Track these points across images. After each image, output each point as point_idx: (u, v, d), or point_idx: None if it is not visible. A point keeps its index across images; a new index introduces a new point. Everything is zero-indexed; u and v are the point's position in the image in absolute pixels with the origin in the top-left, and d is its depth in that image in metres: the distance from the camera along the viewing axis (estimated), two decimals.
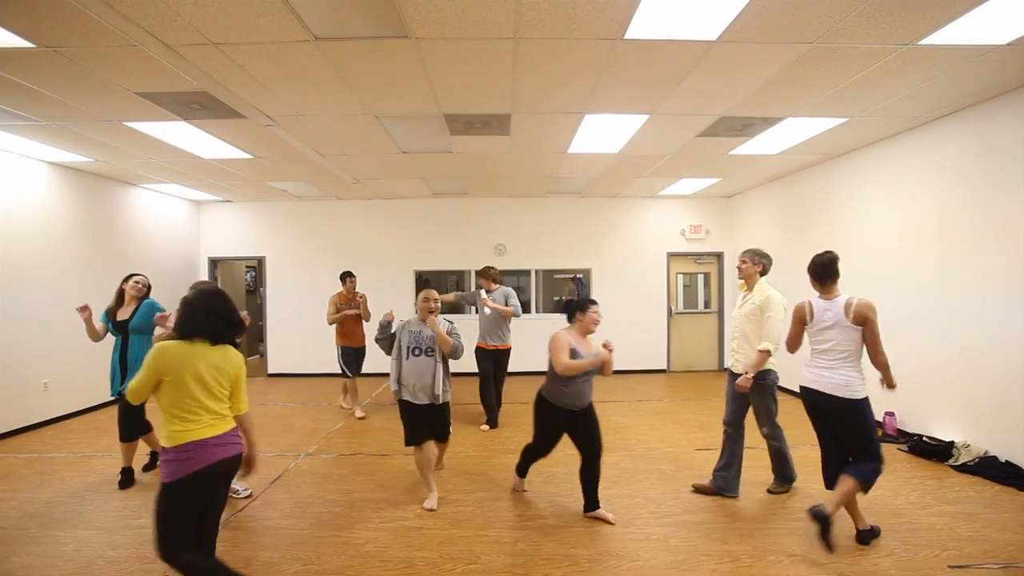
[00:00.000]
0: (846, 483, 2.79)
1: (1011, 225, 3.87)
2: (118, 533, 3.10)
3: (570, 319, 3.38)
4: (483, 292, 5.47)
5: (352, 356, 5.92)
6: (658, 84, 3.75)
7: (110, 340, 3.92)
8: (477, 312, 5.60)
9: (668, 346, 8.52)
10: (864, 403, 2.88)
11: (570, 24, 2.90)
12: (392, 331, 3.62)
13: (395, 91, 3.86)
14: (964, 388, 4.27)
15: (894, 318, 4.99)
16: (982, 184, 4.11)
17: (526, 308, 8.58)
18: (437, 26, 2.91)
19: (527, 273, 8.61)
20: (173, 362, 2.06)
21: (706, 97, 4.01)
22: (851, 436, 2.91)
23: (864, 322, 2.88)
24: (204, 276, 8.53)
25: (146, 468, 4.12)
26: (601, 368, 3.16)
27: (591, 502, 3.30)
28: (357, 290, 6.02)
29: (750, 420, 3.58)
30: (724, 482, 3.57)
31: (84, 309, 3.70)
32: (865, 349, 2.91)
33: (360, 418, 5.72)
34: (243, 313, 3.49)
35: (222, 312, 2.21)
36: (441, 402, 3.52)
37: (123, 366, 3.81)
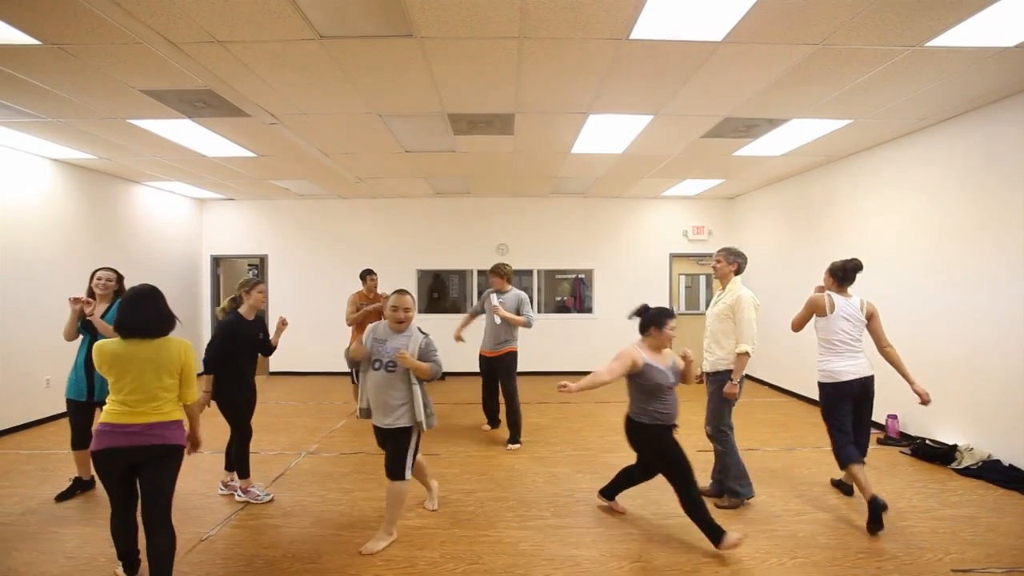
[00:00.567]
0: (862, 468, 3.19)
1: (1016, 229, 3.85)
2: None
3: (643, 331, 3.03)
4: (495, 296, 4.85)
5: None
6: (663, 84, 3.74)
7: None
8: (481, 311, 5.16)
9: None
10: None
11: (575, 23, 2.89)
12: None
13: (399, 90, 3.86)
14: (967, 391, 4.26)
15: (897, 321, 4.96)
16: (987, 187, 4.09)
17: None
18: (442, 25, 2.91)
19: (529, 273, 8.60)
20: (110, 359, 2.33)
21: (711, 98, 4.00)
22: (870, 408, 3.38)
23: (871, 317, 3.37)
24: (207, 274, 8.56)
25: (64, 497, 3.52)
26: (682, 377, 3.05)
27: (716, 531, 2.78)
28: (378, 290, 5.71)
29: (739, 420, 3.52)
30: (719, 485, 3.57)
31: (82, 302, 3.32)
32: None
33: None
34: (281, 317, 3.89)
35: (149, 311, 2.40)
36: (395, 427, 2.91)
37: (90, 368, 3.40)
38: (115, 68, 3.40)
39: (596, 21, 2.86)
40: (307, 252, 8.53)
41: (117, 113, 4.27)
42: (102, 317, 3.44)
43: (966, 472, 3.92)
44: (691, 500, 2.82)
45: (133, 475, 2.37)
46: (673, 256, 8.52)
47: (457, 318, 8.51)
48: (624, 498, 3.55)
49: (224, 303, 3.66)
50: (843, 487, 3.66)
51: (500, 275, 4.87)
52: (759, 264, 7.70)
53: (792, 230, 6.85)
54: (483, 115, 4.45)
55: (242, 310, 3.57)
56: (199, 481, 3.87)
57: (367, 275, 5.63)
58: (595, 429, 5.39)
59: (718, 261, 3.53)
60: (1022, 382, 3.80)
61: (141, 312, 2.37)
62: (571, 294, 8.99)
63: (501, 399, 4.98)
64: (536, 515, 3.32)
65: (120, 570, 2.52)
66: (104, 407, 2.36)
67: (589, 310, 8.65)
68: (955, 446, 4.17)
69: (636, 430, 3.03)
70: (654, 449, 3.00)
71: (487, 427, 5.28)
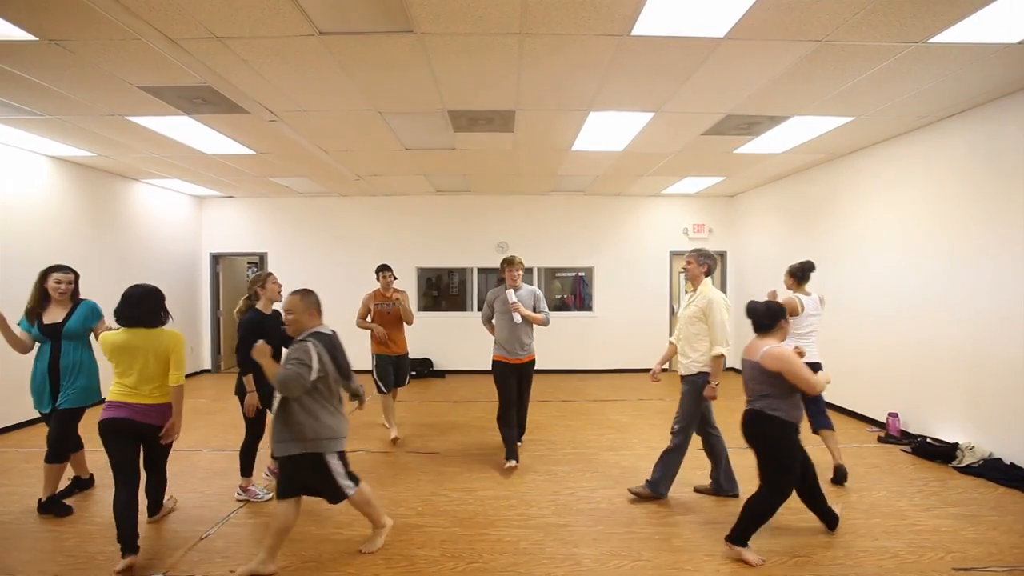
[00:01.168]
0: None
1: (1018, 227, 3.84)
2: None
3: (770, 328, 2.84)
4: (511, 293, 4.09)
5: (387, 367, 4.82)
6: (664, 81, 3.72)
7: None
8: (493, 316, 4.30)
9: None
10: None
11: (577, 19, 2.87)
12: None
13: (399, 87, 3.84)
14: (969, 389, 4.25)
15: (897, 318, 4.98)
16: (989, 185, 4.08)
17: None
18: (442, 20, 2.89)
19: (529, 271, 8.59)
20: (119, 348, 2.76)
21: (712, 95, 3.99)
22: None
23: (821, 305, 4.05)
24: (206, 272, 8.55)
25: (63, 495, 3.41)
26: None
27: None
28: (395, 287, 5.01)
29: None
30: (716, 484, 3.60)
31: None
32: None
33: (394, 440, 4.73)
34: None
35: (149, 303, 2.83)
36: (288, 456, 2.58)
37: (54, 376, 3.17)
38: (113, 64, 3.38)
39: (597, 17, 2.85)
40: (307, 250, 8.52)
41: (116, 110, 4.25)
42: (61, 323, 3.22)
43: (967, 470, 3.91)
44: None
45: (138, 445, 2.81)
46: (673, 254, 8.50)
47: (457, 316, 8.60)
48: (625, 496, 3.53)
49: (240, 304, 3.64)
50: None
51: (515, 267, 4.14)
52: (759, 262, 7.70)
53: (793, 228, 6.83)
54: (483, 112, 4.43)
55: (259, 305, 3.56)
56: (198, 480, 3.87)
57: (381, 271, 4.95)
58: (595, 427, 5.38)
59: (688, 263, 3.53)
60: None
61: (143, 304, 2.80)
62: (571, 292, 8.99)
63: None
64: (536, 513, 3.32)
65: (120, 566, 2.52)
66: (111, 389, 2.78)
67: (589, 308, 8.65)
68: (956, 444, 4.16)
69: (790, 429, 2.78)
70: (797, 446, 2.80)
71: (511, 463, 4.04)
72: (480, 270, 8.66)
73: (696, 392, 3.38)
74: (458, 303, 8.88)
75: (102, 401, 3.08)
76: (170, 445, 3.02)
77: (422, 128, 4.87)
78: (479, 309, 8.62)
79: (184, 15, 2.78)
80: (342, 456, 2.68)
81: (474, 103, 4.21)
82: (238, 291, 9.65)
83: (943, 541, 2.92)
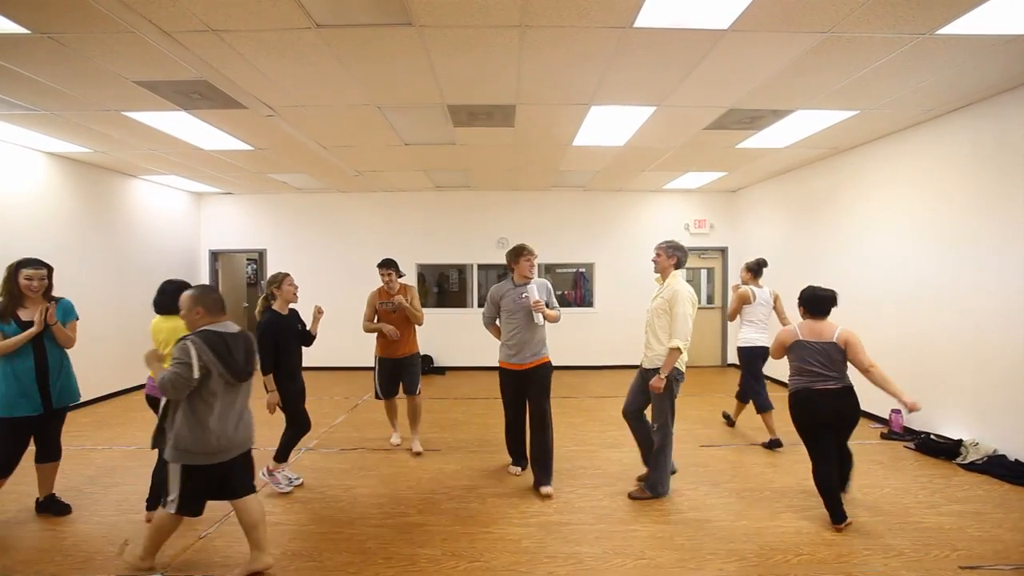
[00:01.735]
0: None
1: (1023, 220, 3.80)
2: (118, 528, 3.07)
3: (827, 312, 3.20)
4: (534, 289, 3.57)
5: (387, 372, 4.35)
6: (667, 74, 3.67)
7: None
8: (498, 317, 3.77)
9: None
10: None
11: (578, 11, 2.82)
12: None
13: (398, 80, 3.79)
14: (972, 386, 4.22)
15: (900, 314, 4.94)
16: (994, 180, 4.03)
17: None
18: (442, 13, 2.84)
19: None
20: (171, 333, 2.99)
21: (715, 88, 3.93)
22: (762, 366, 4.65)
23: (775, 300, 4.68)
24: (205, 268, 8.52)
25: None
26: None
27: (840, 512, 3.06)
28: (402, 282, 4.47)
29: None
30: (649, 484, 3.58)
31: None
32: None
33: (396, 445, 4.54)
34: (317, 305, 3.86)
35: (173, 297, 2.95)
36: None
37: (42, 377, 3.03)
38: (107, 58, 3.33)
39: (599, 9, 2.79)
40: (306, 246, 8.48)
41: (111, 105, 4.20)
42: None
43: (971, 467, 3.89)
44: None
45: None
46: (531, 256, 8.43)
47: (458, 312, 8.57)
48: (626, 494, 3.51)
49: (259, 305, 3.68)
50: (729, 420, 5.13)
51: (530, 259, 3.66)
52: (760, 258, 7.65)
53: (795, 223, 6.79)
54: (483, 106, 4.37)
55: (276, 306, 3.61)
56: None
57: (383, 267, 4.39)
58: (596, 424, 5.36)
59: (658, 255, 3.51)
60: None
61: (176, 296, 2.96)
62: (571, 287, 8.96)
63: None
64: (538, 511, 3.29)
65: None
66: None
67: (590, 304, 8.61)
68: (960, 441, 4.14)
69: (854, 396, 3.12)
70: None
71: (516, 470, 3.89)
72: (480, 266, 8.62)
73: (667, 386, 3.36)
74: (459, 299, 8.84)
75: (79, 403, 3.09)
76: None
77: (421, 123, 4.82)
78: (480, 306, 8.60)
79: (178, 7, 2.73)
80: (201, 474, 2.44)
81: (474, 97, 4.16)
82: (237, 288, 9.64)
83: (948, 539, 2.90)
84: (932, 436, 4.42)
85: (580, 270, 8.77)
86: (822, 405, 3.07)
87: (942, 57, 3.33)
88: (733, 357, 4.03)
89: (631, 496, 3.47)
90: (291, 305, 3.71)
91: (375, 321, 4.34)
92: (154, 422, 2.58)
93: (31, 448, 3.16)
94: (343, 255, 8.43)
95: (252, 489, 2.61)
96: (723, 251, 8.53)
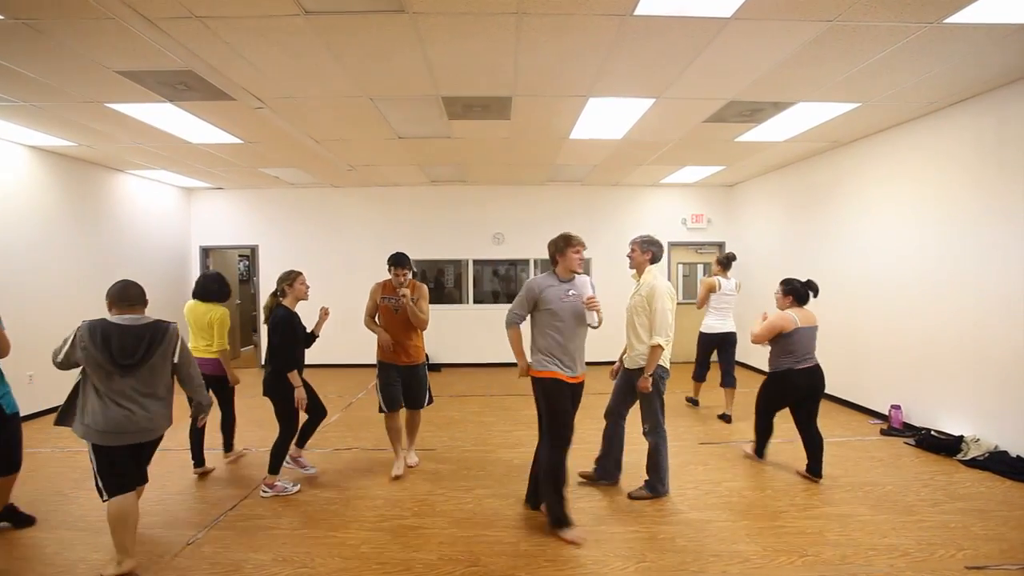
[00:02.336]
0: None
1: None
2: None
3: (805, 301, 3.73)
4: (589, 284, 3.19)
5: (390, 379, 3.75)
6: (668, 65, 3.58)
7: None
8: (527, 316, 3.10)
9: None
10: None
11: None
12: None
13: (391, 71, 3.67)
14: (973, 381, 4.18)
15: (900, 308, 4.90)
16: (997, 173, 3.97)
17: None
18: None
19: (526, 263, 8.47)
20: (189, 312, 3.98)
21: (716, 80, 3.85)
22: (733, 352, 5.28)
23: (738, 288, 5.31)
24: (196, 265, 8.38)
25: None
26: None
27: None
28: (410, 279, 3.84)
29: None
30: (603, 471, 3.57)
31: None
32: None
33: (396, 478, 3.75)
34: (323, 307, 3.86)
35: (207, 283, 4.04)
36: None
37: None
38: (87, 46, 3.20)
39: None
40: (298, 242, 8.35)
41: (94, 96, 4.05)
42: None
43: (972, 463, 3.85)
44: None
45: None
46: (672, 245, 8.39)
47: (453, 309, 8.48)
48: (625, 495, 3.45)
49: (268, 301, 3.68)
50: (726, 418, 5.16)
51: (580, 248, 3.16)
52: (758, 253, 7.60)
53: (793, 218, 6.73)
54: (479, 98, 4.27)
55: (286, 302, 3.58)
56: (187, 481, 3.75)
57: (393, 264, 3.82)
58: (594, 422, 5.25)
59: (633, 250, 3.45)
60: None
61: (207, 285, 4.03)
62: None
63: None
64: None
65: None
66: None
67: None
68: (961, 437, 4.10)
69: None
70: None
71: (572, 535, 2.88)
72: (475, 262, 8.52)
73: (653, 384, 3.30)
74: (454, 296, 8.75)
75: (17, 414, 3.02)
76: (232, 390, 4.02)
77: (415, 115, 4.71)
78: (475, 302, 8.52)
79: None
80: (104, 454, 2.50)
81: (469, 89, 4.05)
82: (230, 285, 9.47)
83: (953, 538, 2.85)
84: (932, 432, 4.39)
85: None
86: (803, 380, 3.62)
87: (949, 47, 3.26)
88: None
89: (631, 496, 3.41)
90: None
91: (376, 319, 3.85)
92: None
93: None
94: (336, 251, 8.31)
95: (143, 482, 2.71)
96: (720, 246, 8.47)
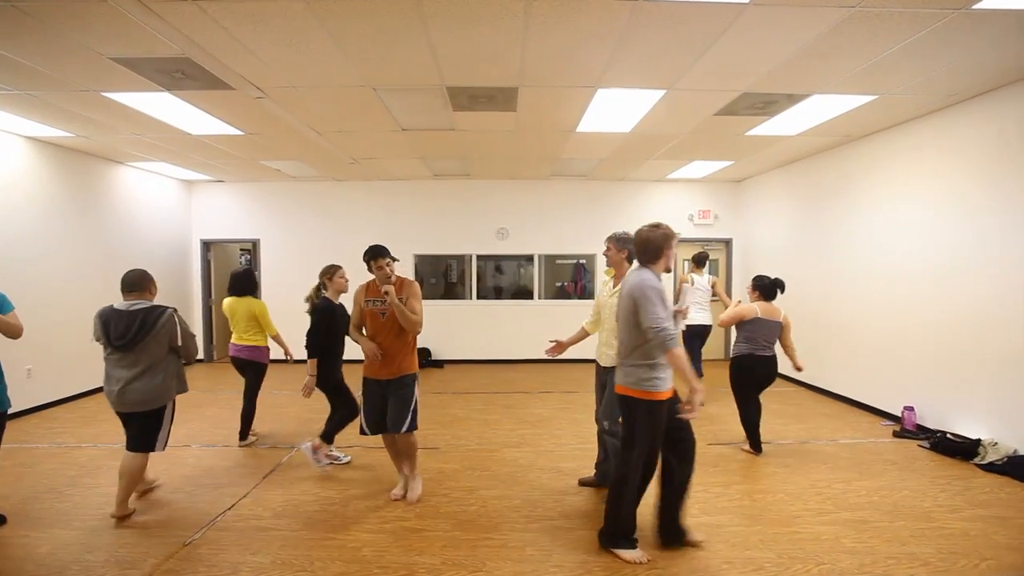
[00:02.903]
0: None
1: None
2: (98, 534, 2.90)
3: (775, 296, 4.05)
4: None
5: (371, 397, 3.22)
6: (680, 54, 3.46)
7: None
8: (665, 312, 2.56)
9: None
10: None
11: None
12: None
13: (394, 59, 3.56)
14: (991, 382, 4.07)
15: (913, 306, 4.77)
16: (1019, 170, 3.84)
17: (528, 295, 8.35)
18: None
19: (530, 258, 8.36)
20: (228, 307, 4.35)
21: (730, 70, 3.72)
22: (702, 344, 5.83)
23: (714, 286, 5.86)
24: (197, 259, 8.30)
25: None
26: None
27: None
28: (400, 275, 3.28)
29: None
30: (603, 476, 3.48)
31: None
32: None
33: (394, 498, 3.35)
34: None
35: (239, 280, 4.40)
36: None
37: None
38: (80, 31, 3.09)
39: None
40: (300, 236, 8.26)
41: (89, 85, 3.95)
42: None
43: (990, 468, 3.74)
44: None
45: (243, 369, 4.33)
46: (678, 241, 8.26)
47: (456, 304, 8.38)
48: None
49: (310, 292, 3.87)
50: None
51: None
52: (765, 249, 7.48)
53: (802, 214, 6.60)
54: (484, 89, 4.15)
55: (328, 295, 3.76)
56: (182, 479, 3.67)
57: (368, 260, 3.22)
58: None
59: (608, 249, 3.32)
60: None
61: (241, 281, 4.36)
62: (571, 279, 8.77)
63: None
64: (543, 515, 3.13)
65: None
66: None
67: (590, 296, 8.43)
68: (978, 440, 3.99)
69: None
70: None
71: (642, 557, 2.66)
72: (479, 257, 8.41)
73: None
74: (457, 291, 8.65)
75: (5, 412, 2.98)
76: (259, 377, 4.34)
77: (419, 106, 4.59)
78: (479, 297, 8.42)
79: None
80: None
81: (475, 78, 3.93)
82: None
83: (975, 547, 2.75)
84: (948, 435, 4.28)
85: (580, 262, 8.58)
86: (760, 368, 4.01)
87: (976, 35, 3.13)
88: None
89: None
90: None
91: (362, 330, 3.29)
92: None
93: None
94: (339, 246, 8.20)
95: (136, 448, 3.03)
96: (727, 242, 8.35)
